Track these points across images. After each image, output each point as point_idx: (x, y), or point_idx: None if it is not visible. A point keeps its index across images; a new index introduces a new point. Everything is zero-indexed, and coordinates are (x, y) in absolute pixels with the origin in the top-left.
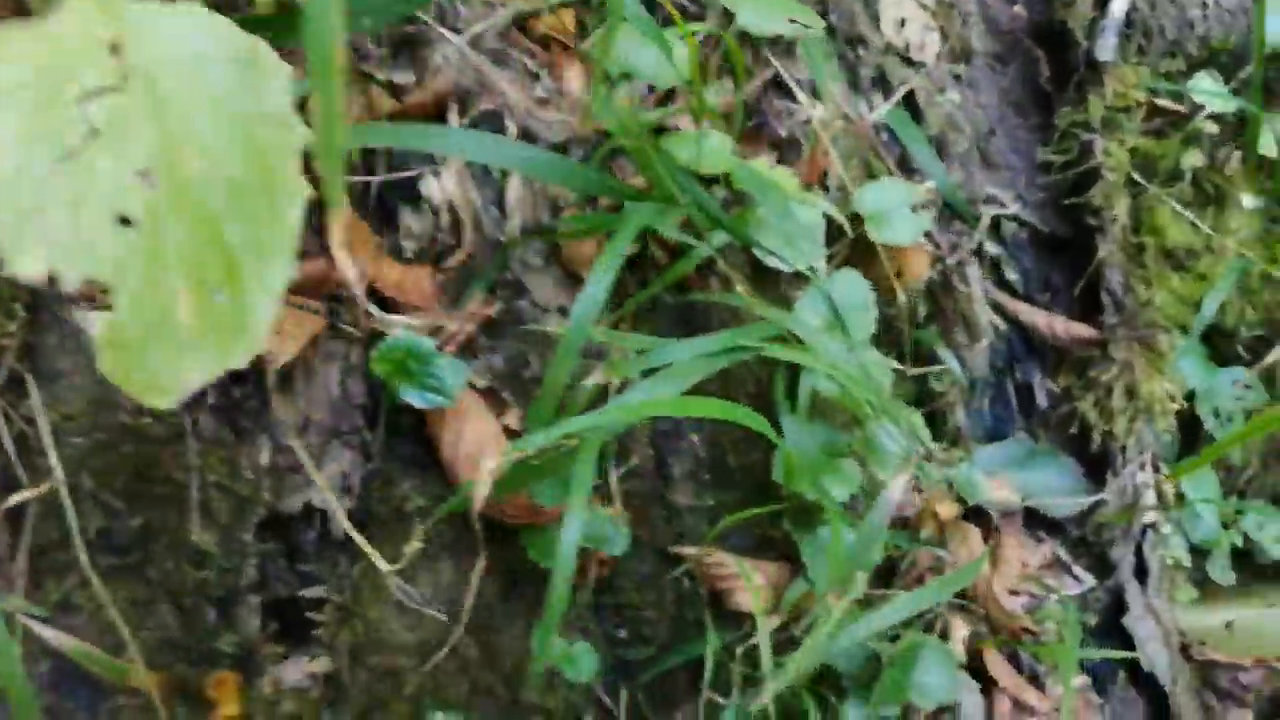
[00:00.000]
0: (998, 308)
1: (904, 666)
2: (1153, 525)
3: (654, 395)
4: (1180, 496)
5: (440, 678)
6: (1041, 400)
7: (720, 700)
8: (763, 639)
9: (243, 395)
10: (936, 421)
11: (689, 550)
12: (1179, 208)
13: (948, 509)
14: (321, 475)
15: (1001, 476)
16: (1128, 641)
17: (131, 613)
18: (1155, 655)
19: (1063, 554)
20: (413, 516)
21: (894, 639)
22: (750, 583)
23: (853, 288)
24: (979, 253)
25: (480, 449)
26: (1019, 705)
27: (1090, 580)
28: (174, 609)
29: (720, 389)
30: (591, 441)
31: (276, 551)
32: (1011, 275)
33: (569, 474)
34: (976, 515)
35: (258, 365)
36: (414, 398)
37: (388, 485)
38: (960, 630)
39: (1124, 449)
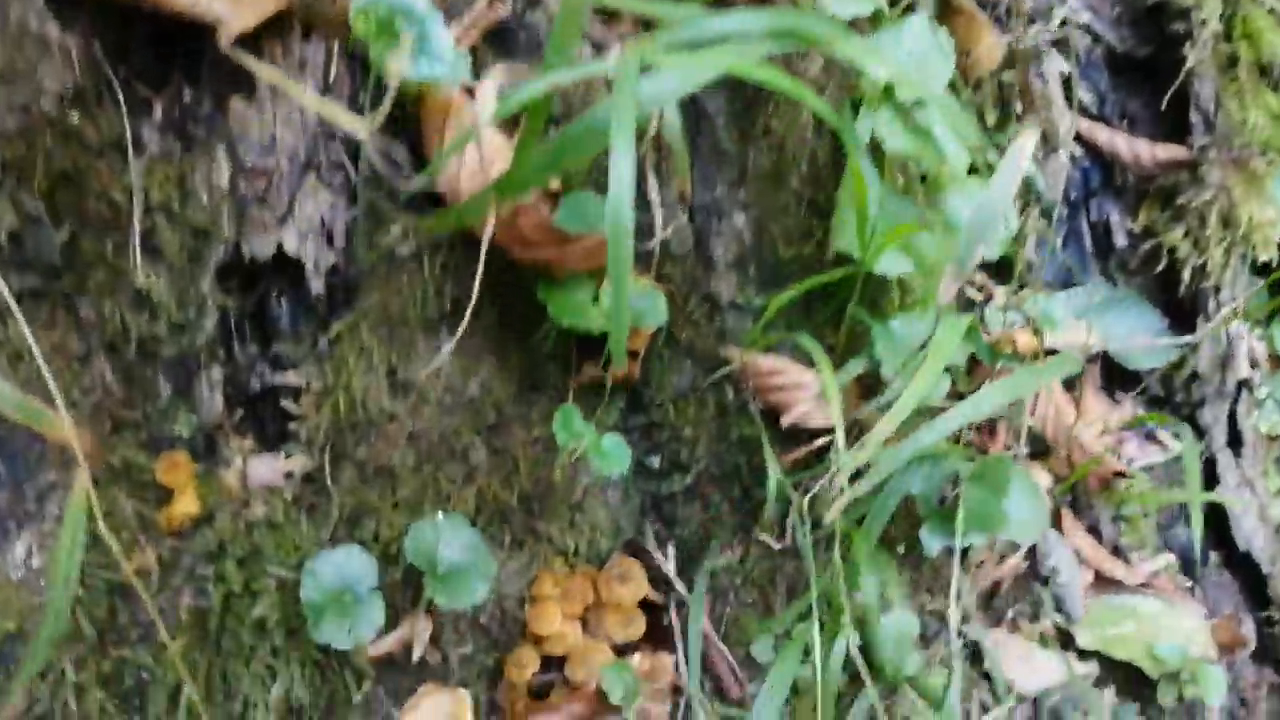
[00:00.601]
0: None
1: (993, 489)
2: (1247, 384)
3: (692, 70)
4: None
5: (442, 484)
6: (1120, 240)
7: (773, 544)
8: (839, 438)
9: (194, 99)
10: (1004, 268)
11: (736, 353)
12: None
13: (1027, 340)
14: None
15: (1079, 323)
16: (1220, 518)
17: (63, 367)
18: (1251, 533)
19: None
20: (405, 264)
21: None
22: (827, 380)
23: (927, 33)
24: (1061, 47)
25: (489, 162)
26: (1101, 578)
27: (1176, 446)
28: (116, 369)
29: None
30: (625, 105)
31: (241, 311)
32: (1086, 96)
33: (588, 204)
34: None
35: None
36: (406, 68)
37: (377, 227)
38: (1042, 480)
39: (1217, 290)
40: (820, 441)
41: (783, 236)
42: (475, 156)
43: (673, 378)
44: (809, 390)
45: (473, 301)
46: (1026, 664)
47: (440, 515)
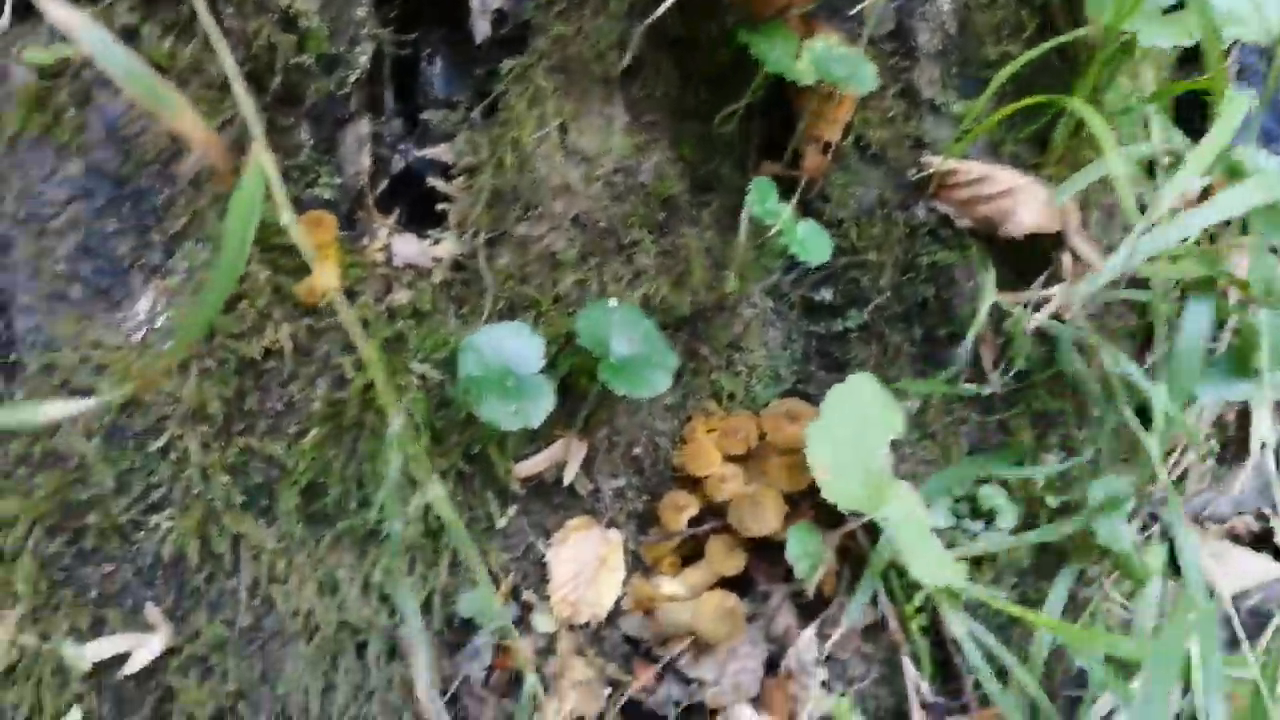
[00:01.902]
0: None
1: None
2: None
3: None
4: None
5: (607, 281)
6: None
7: (964, 390)
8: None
9: None
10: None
11: (936, 159)
12: None
13: None
14: None
15: None
16: None
17: (199, 94)
18: None
19: None
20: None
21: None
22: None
23: None
24: None
25: None
26: None
27: None
28: (257, 107)
29: None
30: None
31: (395, 57)
32: None
33: None
34: None
35: None
36: None
37: None
38: None
39: None
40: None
41: (990, 31)
42: None
43: (858, 191)
44: (1029, 195)
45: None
46: (1225, 563)
47: (614, 301)
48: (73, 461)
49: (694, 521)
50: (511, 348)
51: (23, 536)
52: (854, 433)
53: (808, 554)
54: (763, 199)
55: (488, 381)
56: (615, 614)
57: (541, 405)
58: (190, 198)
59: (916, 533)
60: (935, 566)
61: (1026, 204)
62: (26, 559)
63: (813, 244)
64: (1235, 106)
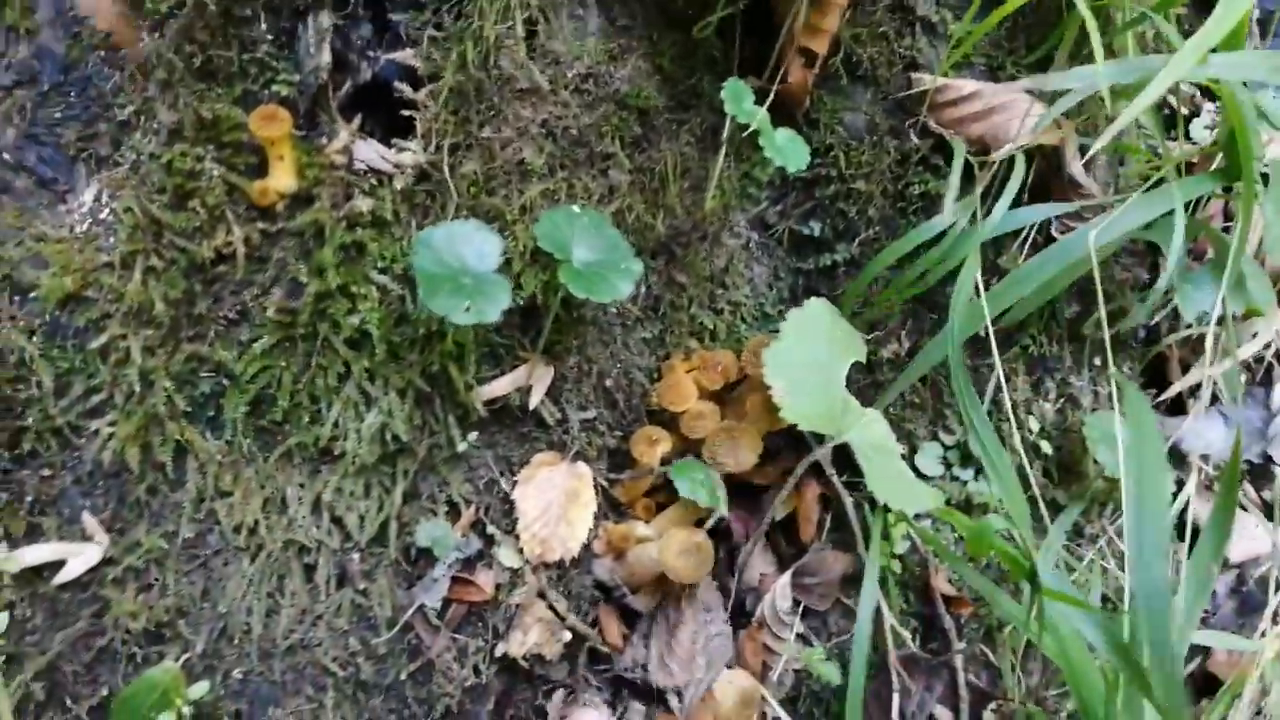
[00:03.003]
0: None
1: None
2: None
3: None
4: None
5: (578, 193)
6: None
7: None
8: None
9: None
10: None
11: (929, 78)
12: None
13: None
14: None
15: None
16: None
17: None
18: None
19: None
20: None
21: None
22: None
23: None
24: None
25: None
26: None
27: None
28: None
29: None
30: None
31: None
32: None
33: None
34: None
35: None
36: None
37: None
38: None
39: None
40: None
41: None
42: None
43: (846, 115)
44: (1022, 110)
45: None
46: (1236, 530)
47: (577, 207)
48: (12, 358)
49: (669, 460)
50: (468, 245)
51: None
52: (812, 355)
53: (699, 484)
54: (738, 99)
55: (442, 278)
56: (585, 556)
57: (496, 303)
58: (139, 85)
59: (885, 459)
60: (907, 494)
61: (1020, 120)
62: None
63: (791, 150)
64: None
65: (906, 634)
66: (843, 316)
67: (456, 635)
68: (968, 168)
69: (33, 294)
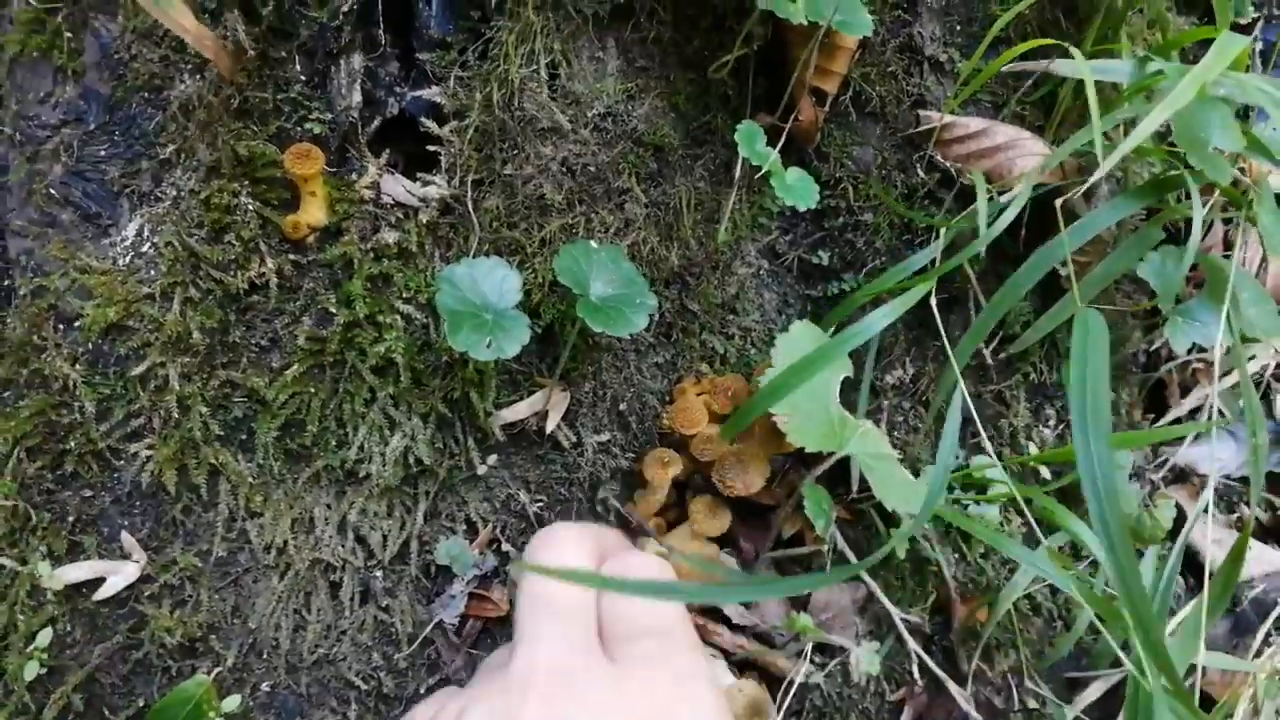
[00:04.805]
0: None
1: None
2: None
3: None
4: None
5: (595, 228)
6: None
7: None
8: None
9: None
10: None
11: (936, 115)
12: None
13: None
14: None
15: None
16: None
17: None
18: None
19: None
20: None
21: None
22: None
23: None
24: None
25: None
26: None
27: None
28: (249, 36)
29: None
30: None
31: None
32: None
33: None
34: None
35: None
36: None
37: None
38: None
39: None
40: None
41: None
42: None
43: (855, 150)
44: (1029, 150)
45: None
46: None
47: (594, 243)
48: (56, 384)
49: (680, 482)
50: (489, 282)
51: (5, 456)
52: (804, 377)
53: (822, 511)
54: (750, 141)
55: (464, 315)
56: None
57: (516, 339)
58: (180, 125)
59: (886, 466)
60: (915, 497)
61: (1026, 159)
62: (8, 479)
63: (801, 190)
64: (1230, 44)
65: (927, 656)
66: (822, 332)
67: (473, 650)
68: (970, 198)
69: (77, 323)
